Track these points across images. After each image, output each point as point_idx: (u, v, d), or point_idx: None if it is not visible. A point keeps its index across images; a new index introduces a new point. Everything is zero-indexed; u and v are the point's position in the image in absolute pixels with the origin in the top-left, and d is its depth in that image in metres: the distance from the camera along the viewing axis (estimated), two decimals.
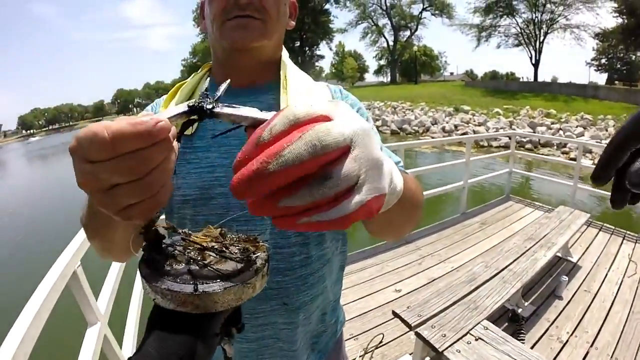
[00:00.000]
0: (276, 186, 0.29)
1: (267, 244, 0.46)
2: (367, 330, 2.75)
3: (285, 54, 0.89)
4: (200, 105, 0.40)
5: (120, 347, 1.95)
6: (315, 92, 0.84)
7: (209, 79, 0.88)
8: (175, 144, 0.35)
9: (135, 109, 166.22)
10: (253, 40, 0.76)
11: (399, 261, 3.78)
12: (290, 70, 0.85)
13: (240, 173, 0.29)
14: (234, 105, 0.40)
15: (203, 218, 0.77)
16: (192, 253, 0.43)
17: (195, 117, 0.40)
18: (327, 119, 0.31)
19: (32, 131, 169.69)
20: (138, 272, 0.43)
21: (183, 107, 0.39)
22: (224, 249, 0.44)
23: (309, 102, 0.31)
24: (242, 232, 0.49)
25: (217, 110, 0.39)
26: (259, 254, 0.44)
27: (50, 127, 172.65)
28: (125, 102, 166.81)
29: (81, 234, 1.75)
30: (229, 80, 0.44)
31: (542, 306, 2.93)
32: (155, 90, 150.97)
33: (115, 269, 2.15)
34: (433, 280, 3.40)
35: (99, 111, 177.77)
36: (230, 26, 0.76)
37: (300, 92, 0.80)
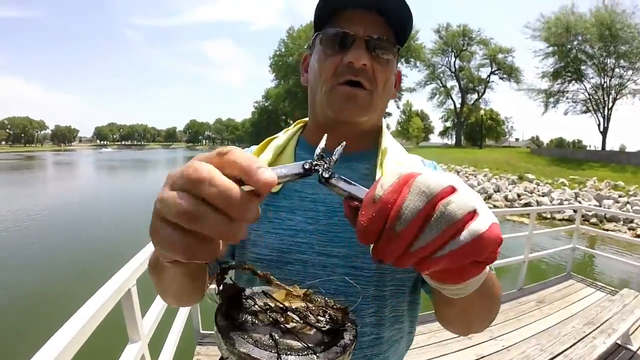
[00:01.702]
0: (410, 239, 0.33)
1: (355, 317, 0.43)
2: None
3: (384, 124, 0.88)
4: (316, 169, 0.38)
5: None
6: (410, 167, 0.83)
7: (299, 137, 0.87)
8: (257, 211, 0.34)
9: (204, 141, 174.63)
10: (359, 114, 0.75)
11: (448, 333, 3.56)
12: (387, 144, 0.83)
13: (379, 250, 0.34)
14: (350, 181, 0.39)
15: None
16: (274, 313, 0.40)
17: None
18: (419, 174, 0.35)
19: (105, 143, 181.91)
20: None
21: (297, 168, 0.38)
22: (308, 314, 0.41)
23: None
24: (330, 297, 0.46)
25: (333, 181, 0.38)
26: (346, 327, 0.41)
27: (123, 143, 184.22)
28: (195, 133, 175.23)
29: (140, 255, 1.84)
30: (343, 143, 0.44)
31: None
32: (226, 127, 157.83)
33: None
34: (482, 358, 3.23)
35: (170, 136, 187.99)
36: (340, 95, 0.74)
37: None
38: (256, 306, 0.41)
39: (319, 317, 0.41)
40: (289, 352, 0.34)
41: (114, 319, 1.63)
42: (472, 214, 0.34)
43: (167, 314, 2.20)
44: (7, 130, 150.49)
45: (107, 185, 26.58)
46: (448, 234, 0.33)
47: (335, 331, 0.39)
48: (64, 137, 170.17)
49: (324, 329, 0.39)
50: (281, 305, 0.41)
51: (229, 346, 0.35)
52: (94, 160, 62.95)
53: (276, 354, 0.34)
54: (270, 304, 0.42)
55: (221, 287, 0.40)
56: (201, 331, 3.35)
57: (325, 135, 0.43)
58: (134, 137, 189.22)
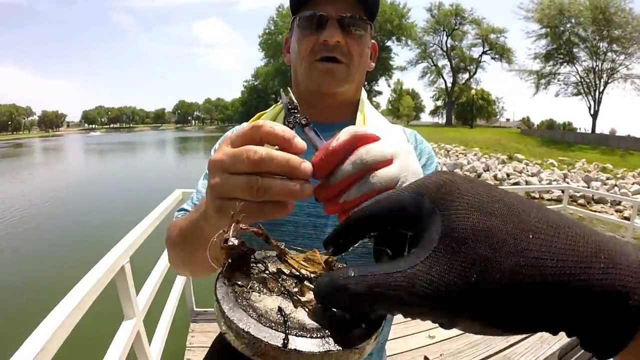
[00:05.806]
0: (337, 191, 0.40)
1: None
2: None
3: (364, 94, 0.94)
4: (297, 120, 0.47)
5: (149, 345, 2.03)
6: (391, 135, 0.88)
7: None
8: None
9: (194, 121, 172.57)
10: (338, 85, 0.82)
11: (400, 317, 3.56)
12: (368, 113, 0.89)
13: (318, 189, 0.41)
14: (319, 134, 0.46)
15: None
16: (287, 282, 0.35)
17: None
18: (376, 138, 0.41)
19: (94, 126, 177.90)
20: (214, 292, 0.32)
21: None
22: None
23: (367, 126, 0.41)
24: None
25: (306, 129, 0.47)
26: None
27: (111, 126, 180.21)
28: (184, 114, 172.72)
29: (133, 233, 1.87)
30: (289, 92, 0.54)
31: None
32: (215, 107, 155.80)
33: (159, 270, 2.25)
34: (436, 341, 3.12)
35: (158, 118, 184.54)
36: (318, 70, 0.81)
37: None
38: (266, 272, 0.36)
39: None
40: (299, 332, 0.28)
41: (111, 297, 1.66)
42: (397, 182, 0.40)
43: (160, 291, 2.23)
44: None
45: (96, 169, 26.44)
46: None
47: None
48: (51, 122, 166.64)
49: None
50: (297, 273, 0.36)
51: (227, 320, 0.29)
52: (82, 144, 62.33)
53: (283, 334, 0.28)
54: (285, 270, 0.36)
55: (226, 243, 0.33)
56: (195, 309, 3.39)
57: (288, 89, 0.53)
58: (122, 119, 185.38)
